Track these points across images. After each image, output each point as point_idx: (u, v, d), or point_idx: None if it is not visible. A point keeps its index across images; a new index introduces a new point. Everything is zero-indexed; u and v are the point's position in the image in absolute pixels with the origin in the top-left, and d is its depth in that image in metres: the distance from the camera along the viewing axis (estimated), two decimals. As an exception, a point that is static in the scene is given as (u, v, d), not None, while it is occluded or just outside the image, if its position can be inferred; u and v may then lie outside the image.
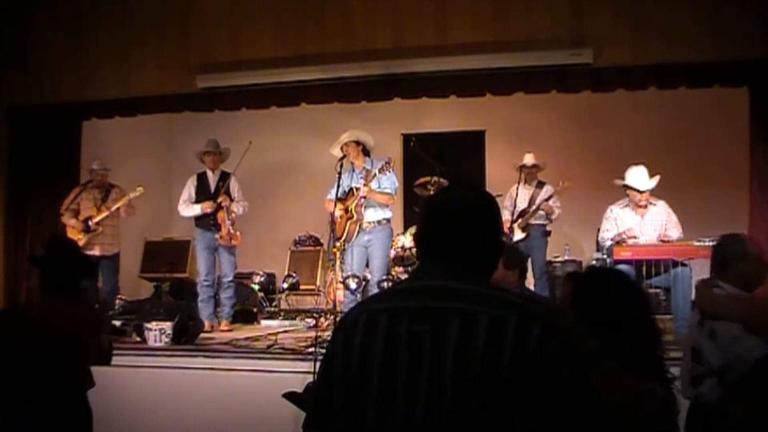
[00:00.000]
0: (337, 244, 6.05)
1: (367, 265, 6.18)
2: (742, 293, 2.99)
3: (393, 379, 1.37)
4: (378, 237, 6.01)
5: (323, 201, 6.34)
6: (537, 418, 1.31)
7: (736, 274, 3.02)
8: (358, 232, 5.98)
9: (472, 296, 1.39)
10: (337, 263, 6.17)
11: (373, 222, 6.01)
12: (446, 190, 1.73)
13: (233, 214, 6.49)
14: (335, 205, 6.02)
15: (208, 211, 6.41)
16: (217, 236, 6.46)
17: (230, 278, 6.55)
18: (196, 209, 6.45)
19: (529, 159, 6.81)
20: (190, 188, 6.57)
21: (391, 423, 1.36)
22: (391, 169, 5.92)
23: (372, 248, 6.01)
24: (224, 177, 6.62)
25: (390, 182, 6.00)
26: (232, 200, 6.53)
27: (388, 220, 6.14)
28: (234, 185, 6.63)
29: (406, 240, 6.95)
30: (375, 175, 5.89)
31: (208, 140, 6.65)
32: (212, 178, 6.58)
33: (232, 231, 6.47)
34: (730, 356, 2.79)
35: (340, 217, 6.02)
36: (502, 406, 1.31)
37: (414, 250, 6.47)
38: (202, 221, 6.47)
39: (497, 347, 1.32)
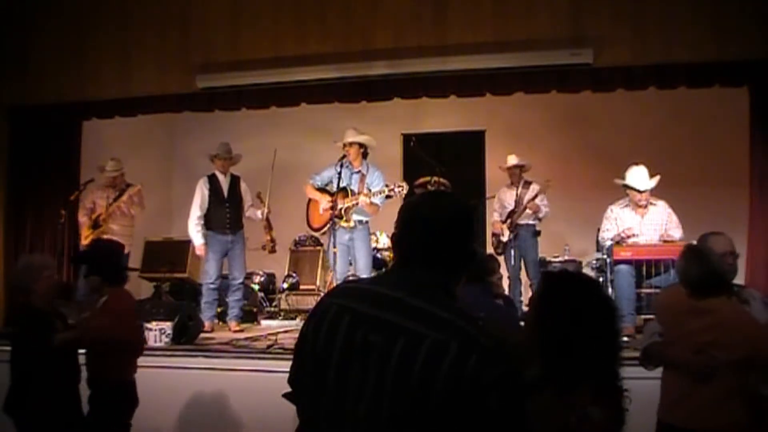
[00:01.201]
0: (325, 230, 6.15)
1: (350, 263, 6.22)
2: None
3: (345, 379, 1.45)
4: (360, 236, 6.07)
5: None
6: None
7: None
8: (338, 229, 5.99)
9: (423, 316, 1.43)
10: (338, 263, 6.18)
11: (355, 221, 6.05)
12: (424, 199, 1.73)
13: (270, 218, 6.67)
14: (315, 192, 6.13)
15: (199, 254, 6.47)
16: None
17: (240, 281, 6.55)
18: (199, 240, 6.41)
19: (512, 159, 6.84)
20: (203, 190, 6.47)
21: (340, 418, 1.44)
22: (393, 195, 5.91)
23: (356, 248, 6.06)
24: (234, 180, 6.61)
25: (381, 198, 5.98)
26: (243, 203, 6.56)
27: (368, 221, 6.21)
28: (245, 189, 6.63)
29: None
30: (379, 194, 5.86)
31: (220, 144, 6.56)
32: (224, 181, 6.54)
33: (273, 237, 6.71)
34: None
35: (324, 210, 6.04)
36: (432, 428, 1.35)
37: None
38: (215, 224, 6.44)
39: (433, 372, 1.36)
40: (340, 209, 5.95)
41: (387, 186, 5.84)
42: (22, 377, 3.46)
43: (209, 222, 6.44)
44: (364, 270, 6.02)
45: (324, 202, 6.05)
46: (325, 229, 6.13)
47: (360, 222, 6.06)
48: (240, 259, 6.52)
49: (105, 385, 3.62)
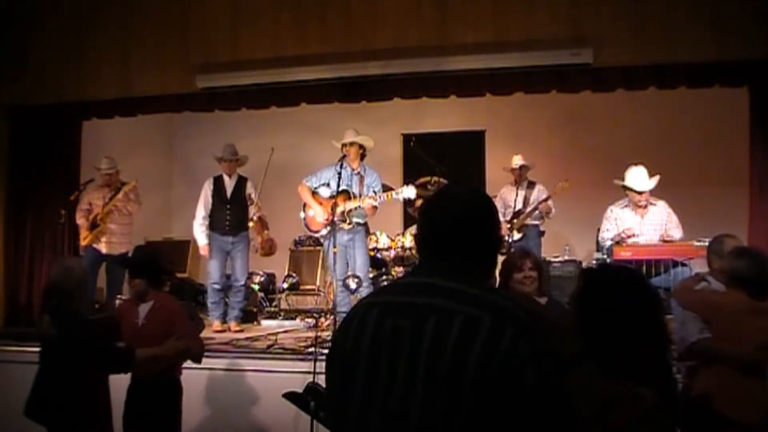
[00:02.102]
0: (322, 233, 6.14)
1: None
2: (719, 287, 3.33)
3: (376, 371, 1.42)
4: (358, 237, 6.11)
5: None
6: (503, 420, 1.32)
7: (714, 269, 3.47)
8: (338, 230, 6.00)
9: (453, 294, 1.42)
10: (337, 264, 6.18)
11: (353, 223, 6.06)
12: (444, 191, 1.75)
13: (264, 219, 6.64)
14: (311, 199, 6.10)
15: (203, 254, 6.51)
16: (256, 246, 6.72)
17: (242, 282, 6.56)
18: (202, 240, 6.44)
19: (518, 160, 6.85)
20: (206, 192, 6.50)
21: (370, 414, 1.41)
22: (399, 199, 5.94)
23: (354, 248, 6.08)
24: (241, 181, 6.60)
25: (381, 200, 6.00)
26: (250, 204, 6.56)
27: (366, 222, 6.26)
28: (250, 190, 6.62)
29: (406, 240, 6.96)
30: (385, 197, 5.88)
31: (225, 145, 6.58)
32: (229, 183, 6.56)
33: (268, 238, 6.68)
34: (677, 336, 3.18)
35: (325, 220, 6.04)
36: (468, 406, 1.32)
37: (414, 251, 6.53)
38: (216, 225, 6.45)
39: (467, 347, 1.34)
40: (342, 211, 5.95)
41: (393, 190, 5.89)
42: (59, 383, 3.37)
43: (211, 223, 6.47)
44: (361, 270, 6.06)
45: (320, 212, 6.02)
46: (324, 231, 6.13)
47: (358, 224, 6.08)
48: (242, 261, 6.53)
49: (162, 383, 3.69)
